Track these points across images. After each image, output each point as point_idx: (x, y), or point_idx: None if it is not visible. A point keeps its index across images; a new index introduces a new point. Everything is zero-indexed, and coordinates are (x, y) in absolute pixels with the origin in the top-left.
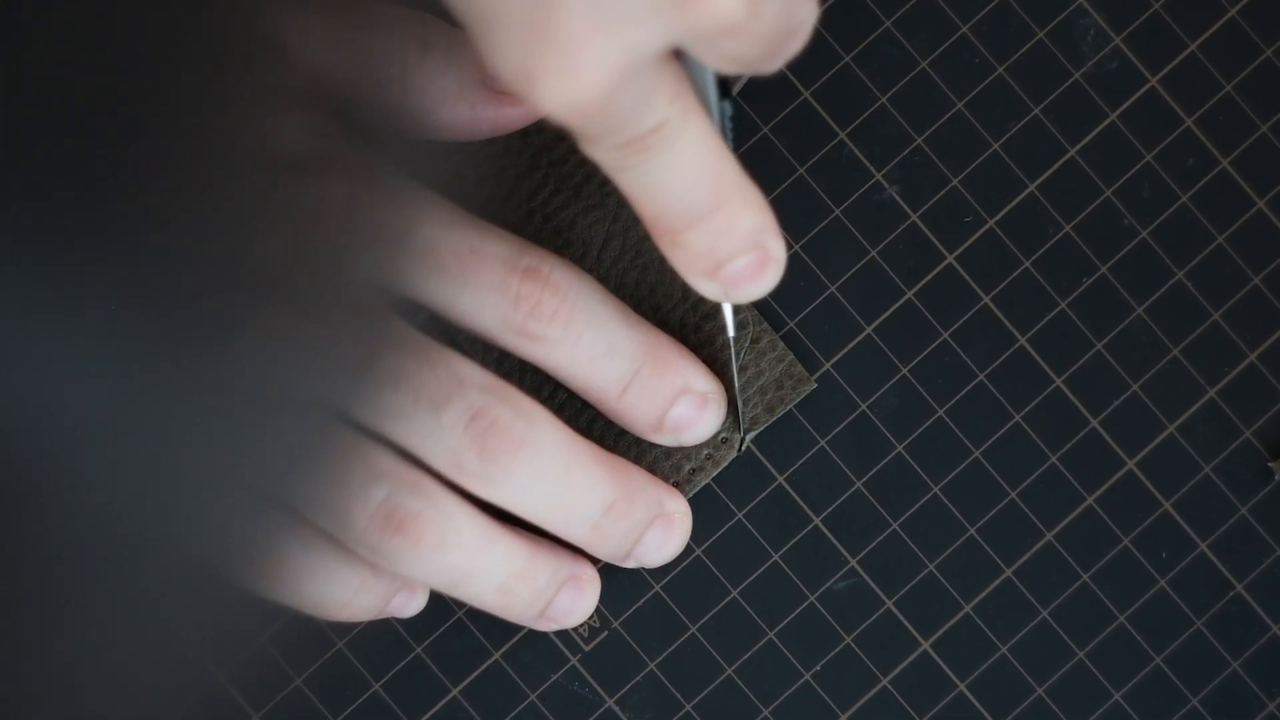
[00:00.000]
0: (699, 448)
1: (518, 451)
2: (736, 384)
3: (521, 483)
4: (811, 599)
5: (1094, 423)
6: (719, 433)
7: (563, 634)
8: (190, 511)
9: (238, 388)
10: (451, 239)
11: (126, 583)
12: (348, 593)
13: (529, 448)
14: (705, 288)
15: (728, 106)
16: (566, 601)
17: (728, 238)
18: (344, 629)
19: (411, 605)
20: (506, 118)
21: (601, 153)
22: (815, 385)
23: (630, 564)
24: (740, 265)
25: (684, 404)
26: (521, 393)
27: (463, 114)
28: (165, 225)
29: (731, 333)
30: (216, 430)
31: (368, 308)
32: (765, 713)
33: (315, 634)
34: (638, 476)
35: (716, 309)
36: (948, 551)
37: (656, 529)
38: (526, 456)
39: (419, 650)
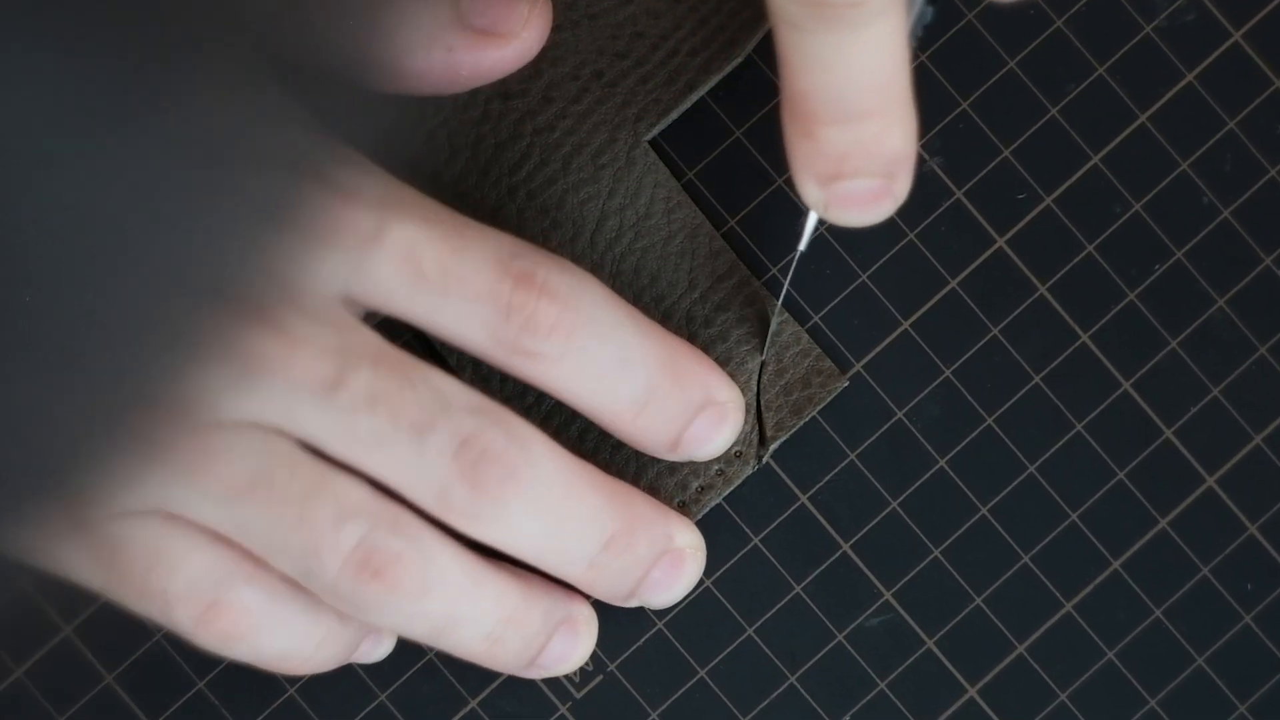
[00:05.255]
0: (709, 462)
1: (511, 483)
2: (768, 343)
3: (515, 520)
4: (839, 637)
5: (1167, 433)
6: (732, 445)
7: (551, 678)
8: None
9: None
10: (430, 239)
11: None
12: (310, 646)
13: (523, 478)
14: (809, 191)
15: (929, 12)
16: (560, 648)
17: (866, 151)
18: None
19: (377, 650)
20: (489, 62)
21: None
22: (847, 383)
23: (633, 603)
24: (860, 186)
25: (704, 419)
26: (513, 413)
27: (438, 59)
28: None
29: (802, 248)
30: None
31: (333, 320)
32: None
33: (263, 678)
34: (641, 504)
35: (727, 300)
36: (998, 583)
37: (664, 566)
38: (521, 489)
39: (383, 698)
